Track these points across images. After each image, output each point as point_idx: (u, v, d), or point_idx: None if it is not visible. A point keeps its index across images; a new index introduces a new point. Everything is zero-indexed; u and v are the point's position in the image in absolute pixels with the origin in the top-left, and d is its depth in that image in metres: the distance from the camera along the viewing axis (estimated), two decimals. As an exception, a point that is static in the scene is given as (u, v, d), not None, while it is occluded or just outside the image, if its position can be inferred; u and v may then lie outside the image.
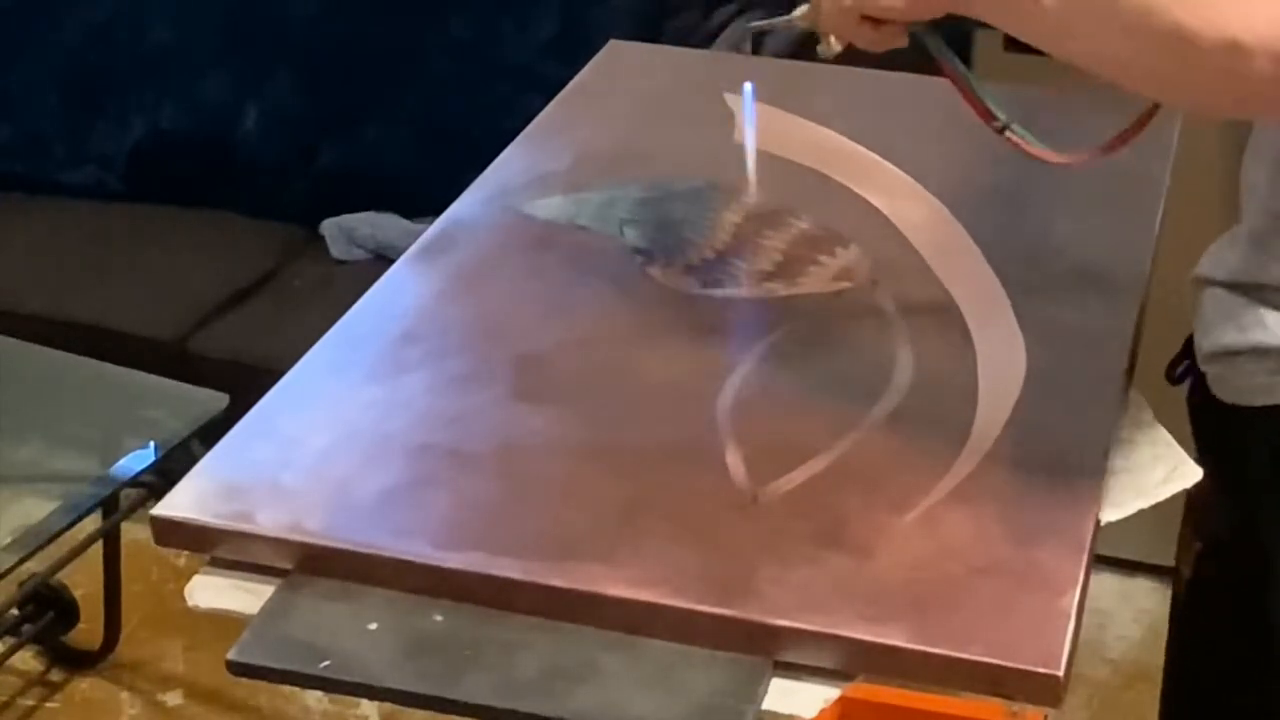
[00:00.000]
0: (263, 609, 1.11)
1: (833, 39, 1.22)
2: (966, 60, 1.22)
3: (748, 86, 1.39)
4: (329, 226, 2.90)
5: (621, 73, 1.78)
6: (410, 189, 2.82)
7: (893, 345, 1.28)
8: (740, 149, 1.41)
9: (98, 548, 2.42)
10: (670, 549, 1.10)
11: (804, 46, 1.64)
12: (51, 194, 3.04)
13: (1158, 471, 1.20)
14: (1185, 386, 1.34)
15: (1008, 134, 1.19)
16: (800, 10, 1.24)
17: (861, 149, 1.42)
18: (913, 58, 1.22)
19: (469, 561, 1.10)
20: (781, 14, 1.28)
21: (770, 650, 1.05)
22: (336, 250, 2.88)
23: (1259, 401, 1.23)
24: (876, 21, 1.17)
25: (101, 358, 2.46)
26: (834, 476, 1.15)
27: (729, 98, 1.42)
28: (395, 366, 1.30)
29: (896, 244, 1.36)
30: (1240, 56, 0.97)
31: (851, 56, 1.28)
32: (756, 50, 1.32)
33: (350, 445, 1.21)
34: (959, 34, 1.20)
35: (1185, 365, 1.34)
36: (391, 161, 2.92)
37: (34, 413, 2.37)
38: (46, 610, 2.54)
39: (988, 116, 1.20)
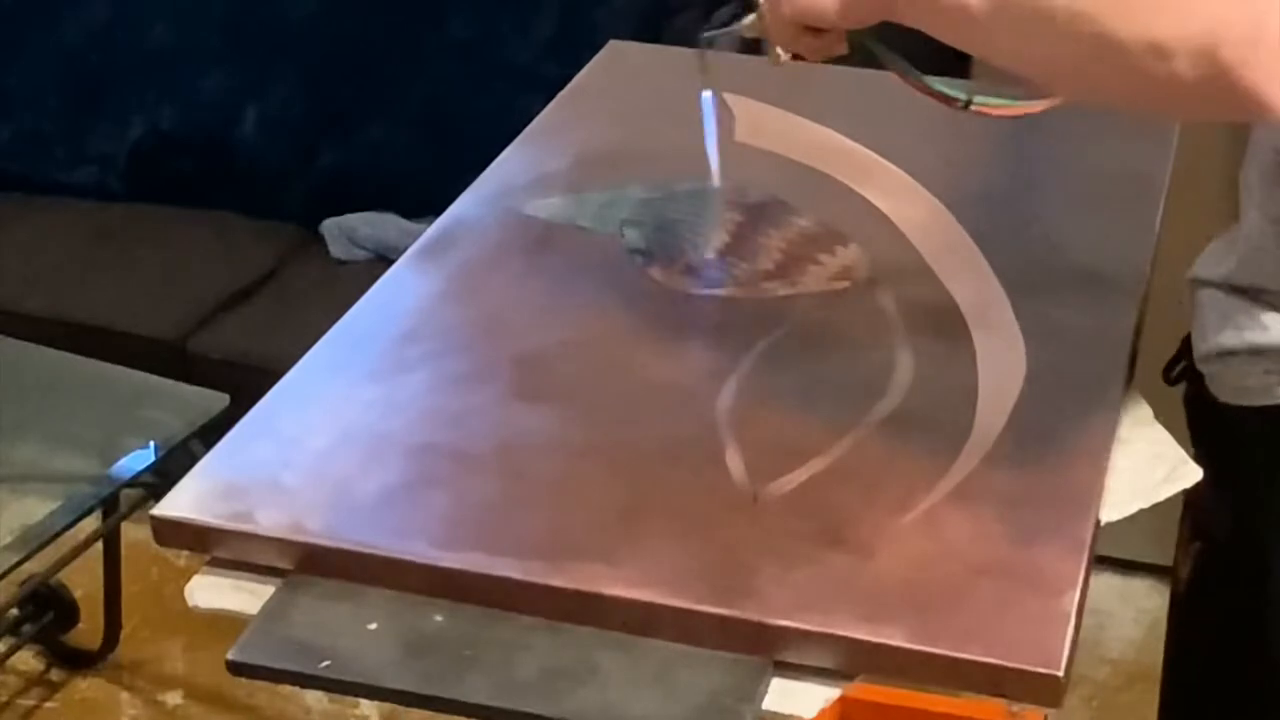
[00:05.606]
0: (263, 609, 1.10)
1: (779, 49, 1.23)
2: (965, 74, 1.22)
3: (707, 95, 1.39)
4: (329, 226, 2.91)
5: (621, 73, 1.78)
6: (410, 189, 2.83)
7: (893, 345, 1.28)
8: (741, 149, 1.40)
9: (98, 548, 2.43)
10: (670, 549, 1.10)
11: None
12: (51, 194, 3.04)
13: (1158, 471, 1.20)
14: (1183, 386, 1.34)
15: (973, 108, 1.20)
16: (748, 20, 1.25)
17: (861, 149, 1.42)
18: (915, 59, 1.22)
19: (468, 561, 1.10)
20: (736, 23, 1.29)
21: (770, 650, 1.05)
22: (336, 250, 2.88)
23: (1256, 401, 1.23)
24: (817, 30, 1.18)
25: (101, 358, 2.46)
26: (834, 476, 1.15)
27: (729, 97, 1.42)
28: (395, 366, 1.30)
29: (896, 244, 1.35)
30: (1162, 58, 0.97)
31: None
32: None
33: (350, 445, 1.21)
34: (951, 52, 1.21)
35: (1181, 366, 1.34)
36: (391, 161, 2.92)
37: (34, 413, 2.37)
38: (46, 610, 2.54)
39: (947, 101, 1.20)
